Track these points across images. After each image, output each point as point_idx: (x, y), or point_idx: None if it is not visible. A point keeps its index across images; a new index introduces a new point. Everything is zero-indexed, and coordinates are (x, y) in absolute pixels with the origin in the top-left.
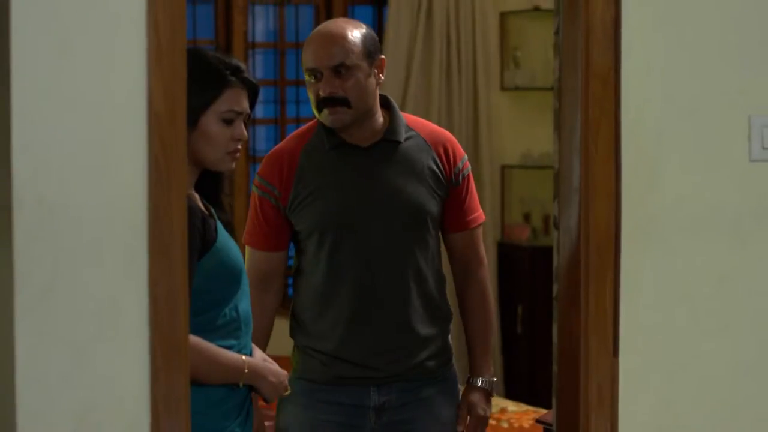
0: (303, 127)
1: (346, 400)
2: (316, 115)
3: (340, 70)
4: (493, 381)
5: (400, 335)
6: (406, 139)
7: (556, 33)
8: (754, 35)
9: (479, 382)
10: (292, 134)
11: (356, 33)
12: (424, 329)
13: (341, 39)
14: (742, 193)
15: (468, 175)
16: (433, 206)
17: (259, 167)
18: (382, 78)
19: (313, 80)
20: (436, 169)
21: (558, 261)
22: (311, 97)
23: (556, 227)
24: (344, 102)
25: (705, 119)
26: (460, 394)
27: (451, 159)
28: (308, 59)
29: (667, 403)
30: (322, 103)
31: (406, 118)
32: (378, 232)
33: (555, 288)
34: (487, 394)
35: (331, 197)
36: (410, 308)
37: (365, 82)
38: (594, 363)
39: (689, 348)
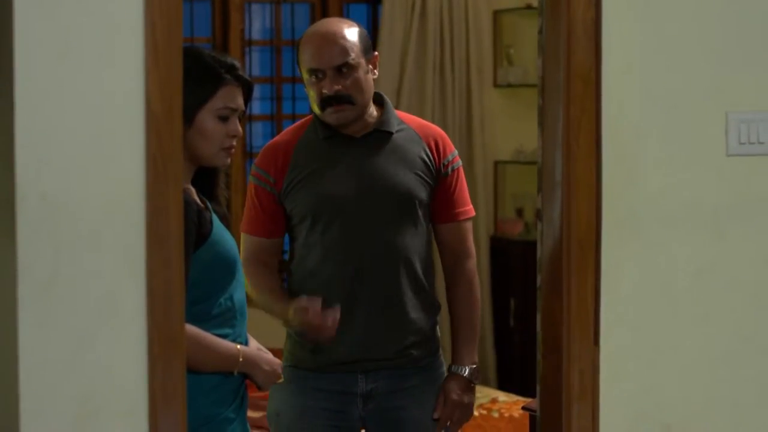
0: (298, 122)
1: (334, 387)
2: (318, 113)
3: (343, 69)
4: (474, 369)
5: (390, 315)
6: (398, 131)
7: (540, 32)
8: (731, 34)
9: (458, 369)
10: (288, 128)
11: (352, 31)
12: (413, 312)
13: (341, 39)
14: (719, 187)
15: (458, 169)
16: (422, 193)
17: (255, 159)
18: (376, 73)
19: (314, 79)
20: (426, 159)
21: (541, 252)
22: (313, 95)
23: (540, 220)
24: (348, 100)
25: (683, 115)
26: None
27: (441, 151)
28: (309, 60)
29: (646, 390)
30: (326, 102)
31: (399, 114)
32: (369, 216)
33: (539, 279)
34: (467, 382)
35: (324, 182)
36: (400, 290)
37: (364, 79)
38: (576, 351)
39: (668, 337)
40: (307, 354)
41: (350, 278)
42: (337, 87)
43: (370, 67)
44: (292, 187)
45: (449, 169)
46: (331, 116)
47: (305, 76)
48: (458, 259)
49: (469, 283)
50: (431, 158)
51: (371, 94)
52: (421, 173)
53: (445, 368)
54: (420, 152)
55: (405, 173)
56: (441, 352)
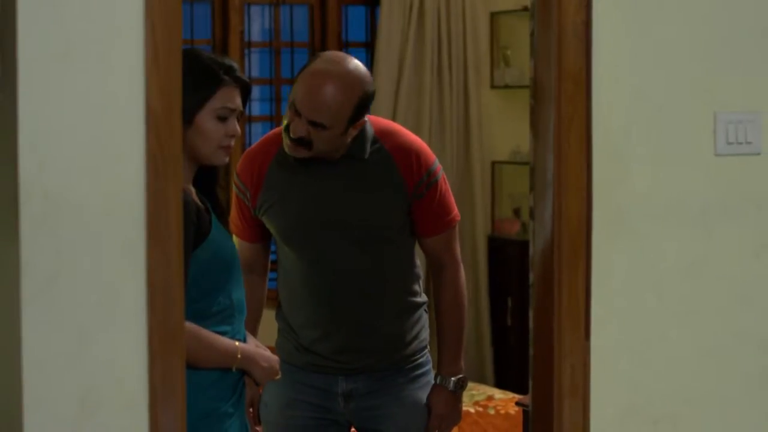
0: (278, 130)
1: (317, 384)
2: (283, 135)
3: (318, 126)
4: (459, 380)
5: (371, 332)
6: (371, 153)
7: (532, 35)
8: (720, 36)
9: (443, 382)
10: (269, 134)
11: (351, 98)
12: (395, 326)
13: (334, 102)
14: (708, 185)
15: (436, 183)
16: (395, 217)
17: (238, 163)
18: (355, 132)
19: (292, 108)
20: (398, 183)
21: (533, 250)
22: (284, 119)
23: (532, 218)
24: (308, 145)
25: (672, 116)
26: (432, 379)
27: (415, 171)
28: (298, 96)
29: (636, 385)
30: (288, 134)
31: (377, 125)
32: (341, 243)
33: (531, 276)
34: (451, 394)
35: (292, 210)
36: (380, 308)
37: (336, 138)
38: (567, 346)
39: (658, 332)
40: (293, 350)
41: (327, 305)
42: (302, 134)
43: (351, 129)
44: (265, 210)
45: (425, 189)
46: (287, 146)
47: (290, 96)
48: (444, 268)
49: (454, 293)
50: (404, 181)
51: (339, 147)
52: (393, 198)
53: (431, 365)
54: (392, 176)
55: (376, 199)
56: (427, 349)
